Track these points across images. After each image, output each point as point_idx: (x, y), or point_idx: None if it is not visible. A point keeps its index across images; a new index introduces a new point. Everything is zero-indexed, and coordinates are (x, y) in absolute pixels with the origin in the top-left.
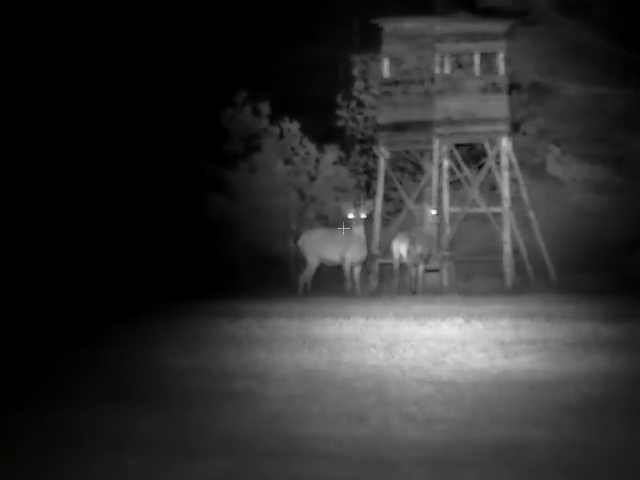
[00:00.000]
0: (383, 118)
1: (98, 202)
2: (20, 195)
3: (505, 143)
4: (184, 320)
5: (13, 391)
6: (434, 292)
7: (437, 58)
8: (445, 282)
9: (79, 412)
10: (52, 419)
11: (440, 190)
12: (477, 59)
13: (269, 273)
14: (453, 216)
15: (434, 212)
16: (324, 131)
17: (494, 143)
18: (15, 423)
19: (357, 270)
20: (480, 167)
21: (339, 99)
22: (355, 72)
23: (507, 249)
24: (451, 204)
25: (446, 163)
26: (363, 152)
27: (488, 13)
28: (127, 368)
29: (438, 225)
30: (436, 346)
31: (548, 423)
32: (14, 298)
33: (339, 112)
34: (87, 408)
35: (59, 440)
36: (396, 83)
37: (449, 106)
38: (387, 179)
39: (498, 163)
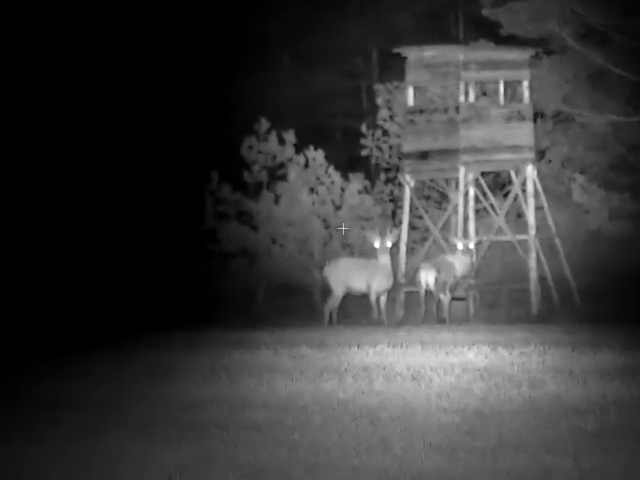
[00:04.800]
0: (408, 146)
1: (115, 226)
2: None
3: (530, 171)
4: (202, 350)
5: (28, 423)
6: (460, 320)
7: (461, 86)
8: (471, 310)
9: (102, 443)
10: (74, 451)
11: (466, 218)
12: (501, 87)
13: (291, 302)
14: (479, 244)
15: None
16: (348, 160)
17: (519, 171)
18: (33, 455)
19: (383, 299)
20: (506, 195)
21: (364, 128)
22: (379, 101)
23: (533, 276)
24: (477, 232)
25: (472, 191)
26: (388, 181)
27: (508, 41)
28: (146, 400)
29: (470, 256)
30: (462, 375)
31: (567, 450)
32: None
33: (364, 141)
34: (111, 439)
35: (80, 472)
36: (421, 111)
37: (474, 134)
38: (412, 208)
39: (524, 191)
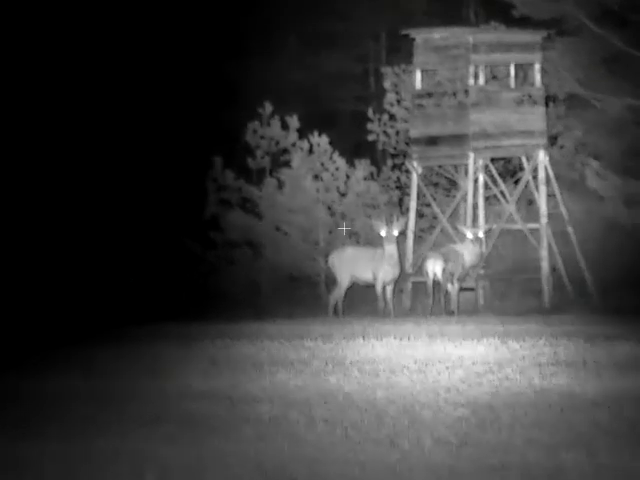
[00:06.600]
0: (416, 132)
1: (112, 220)
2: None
3: (542, 157)
4: (205, 342)
5: (27, 418)
6: (469, 312)
7: (471, 69)
8: (481, 301)
9: (101, 439)
10: (72, 447)
11: (475, 206)
12: (512, 70)
13: (295, 293)
14: (489, 233)
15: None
16: (353, 145)
17: (531, 157)
18: (32, 451)
19: (389, 289)
20: (516, 182)
21: (370, 112)
22: (387, 84)
23: (545, 266)
24: (487, 220)
25: (481, 178)
26: (395, 167)
27: (522, 23)
28: (147, 394)
29: (480, 245)
30: (471, 367)
31: (580, 446)
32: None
33: (370, 126)
34: (111, 435)
35: (79, 468)
36: (429, 95)
37: (484, 119)
38: (420, 195)
39: (535, 177)
